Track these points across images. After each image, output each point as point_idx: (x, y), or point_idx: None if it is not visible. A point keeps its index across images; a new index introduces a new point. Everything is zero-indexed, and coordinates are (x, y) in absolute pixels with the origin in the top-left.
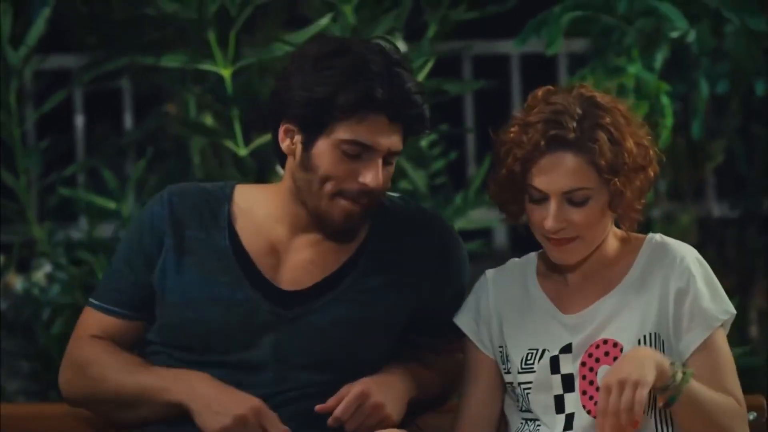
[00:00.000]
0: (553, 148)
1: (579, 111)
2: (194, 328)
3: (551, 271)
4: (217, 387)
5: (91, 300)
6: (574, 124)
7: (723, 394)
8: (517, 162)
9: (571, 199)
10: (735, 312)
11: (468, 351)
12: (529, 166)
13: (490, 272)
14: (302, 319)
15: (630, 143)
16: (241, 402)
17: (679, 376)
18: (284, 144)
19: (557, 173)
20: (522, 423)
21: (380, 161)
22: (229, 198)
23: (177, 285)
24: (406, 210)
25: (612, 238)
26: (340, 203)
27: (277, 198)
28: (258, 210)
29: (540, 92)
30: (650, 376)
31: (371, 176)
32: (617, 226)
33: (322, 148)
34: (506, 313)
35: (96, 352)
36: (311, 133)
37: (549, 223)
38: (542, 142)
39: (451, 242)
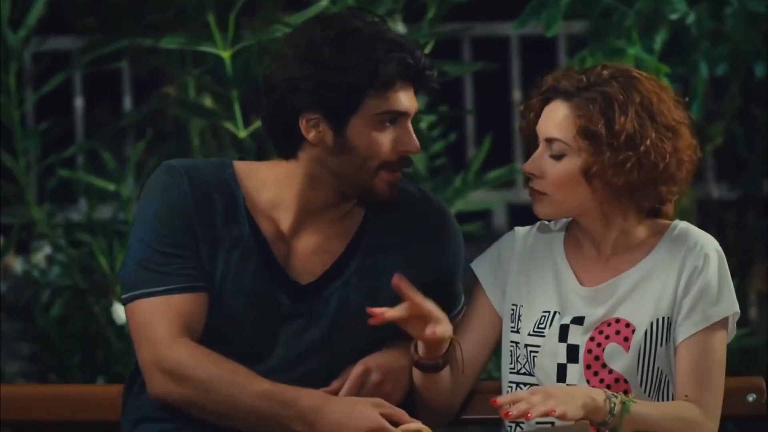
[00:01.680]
0: (555, 96)
1: (599, 76)
2: (218, 319)
3: (577, 242)
4: (344, 400)
5: (142, 292)
6: (583, 82)
7: (686, 403)
8: (530, 101)
9: (551, 149)
10: (738, 312)
11: (475, 297)
12: (539, 110)
13: (519, 230)
14: (314, 309)
15: (626, 124)
16: (372, 418)
17: (618, 408)
18: (310, 135)
19: (548, 119)
20: (510, 387)
21: (410, 124)
22: (236, 180)
23: (210, 276)
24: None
25: (638, 221)
26: (383, 176)
27: (287, 183)
28: (264, 193)
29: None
30: (572, 413)
31: (411, 142)
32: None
33: (357, 127)
34: (528, 274)
35: (195, 358)
36: (341, 116)
37: (526, 164)
38: (544, 87)
39: (445, 219)
